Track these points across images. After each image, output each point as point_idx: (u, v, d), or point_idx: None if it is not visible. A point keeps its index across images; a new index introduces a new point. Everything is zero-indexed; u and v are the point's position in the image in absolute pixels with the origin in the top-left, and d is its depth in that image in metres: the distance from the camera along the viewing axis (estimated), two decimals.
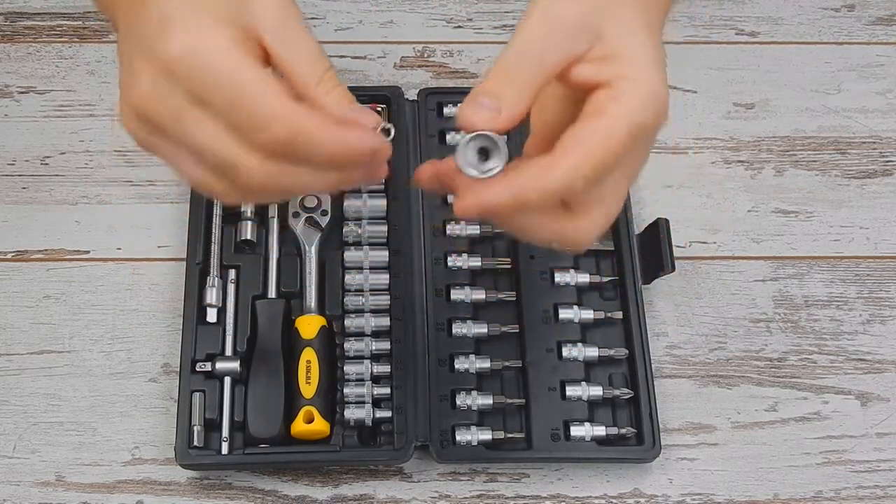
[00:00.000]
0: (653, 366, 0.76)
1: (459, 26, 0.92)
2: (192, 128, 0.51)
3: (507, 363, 0.76)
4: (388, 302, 0.77)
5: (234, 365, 0.74)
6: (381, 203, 0.80)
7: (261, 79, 0.51)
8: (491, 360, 0.76)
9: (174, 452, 0.71)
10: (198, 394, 0.73)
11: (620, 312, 0.78)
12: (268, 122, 0.50)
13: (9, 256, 0.80)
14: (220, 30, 0.51)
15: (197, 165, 0.53)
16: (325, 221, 0.79)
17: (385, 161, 0.54)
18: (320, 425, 0.72)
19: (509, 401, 0.75)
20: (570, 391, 0.75)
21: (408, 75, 0.89)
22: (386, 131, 0.55)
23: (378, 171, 0.55)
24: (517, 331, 0.77)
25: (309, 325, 0.75)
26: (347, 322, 0.76)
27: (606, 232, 0.81)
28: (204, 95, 0.50)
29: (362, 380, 0.75)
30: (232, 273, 0.77)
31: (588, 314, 0.78)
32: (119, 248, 0.81)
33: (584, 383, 0.75)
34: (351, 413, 0.73)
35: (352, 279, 0.78)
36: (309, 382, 0.73)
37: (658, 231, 0.78)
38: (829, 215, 0.85)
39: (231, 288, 0.77)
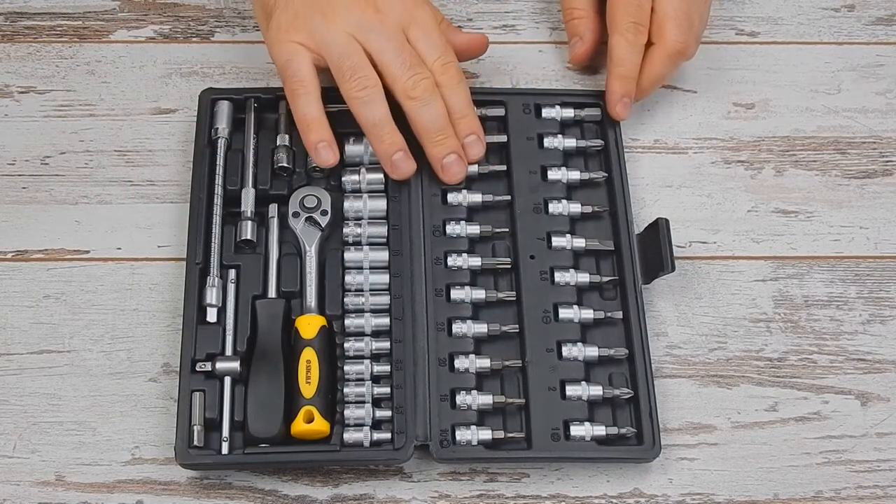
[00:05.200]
0: (653, 366, 0.76)
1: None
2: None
3: (506, 363, 0.76)
4: (388, 302, 0.77)
5: (234, 365, 0.74)
6: (381, 203, 0.80)
7: None
8: (491, 360, 0.76)
9: (174, 452, 0.71)
10: (198, 394, 0.73)
11: (620, 312, 0.78)
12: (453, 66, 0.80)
13: (9, 256, 0.80)
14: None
15: None
16: (325, 221, 0.79)
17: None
18: (320, 425, 0.72)
19: (509, 400, 0.75)
20: (570, 391, 0.75)
21: None
22: None
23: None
24: (517, 330, 0.77)
25: (309, 324, 0.75)
26: (347, 322, 0.76)
27: (607, 232, 0.81)
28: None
29: (362, 379, 0.75)
30: (232, 273, 0.77)
31: (588, 314, 0.78)
32: (119, 248, 0.81)
33: (584, 383, 0.75)
34: (351, 413, 0.73)
35: (352, 279, 0.78)
36: (309, 382, 0.73)
37: (658, 231, 0.78)
38: (829, 215, 0.85)
39: (231, 288, 0.77)
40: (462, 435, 0.73)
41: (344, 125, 0.80)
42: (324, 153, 0.78)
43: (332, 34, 0.78)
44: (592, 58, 0.88)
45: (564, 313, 0.77)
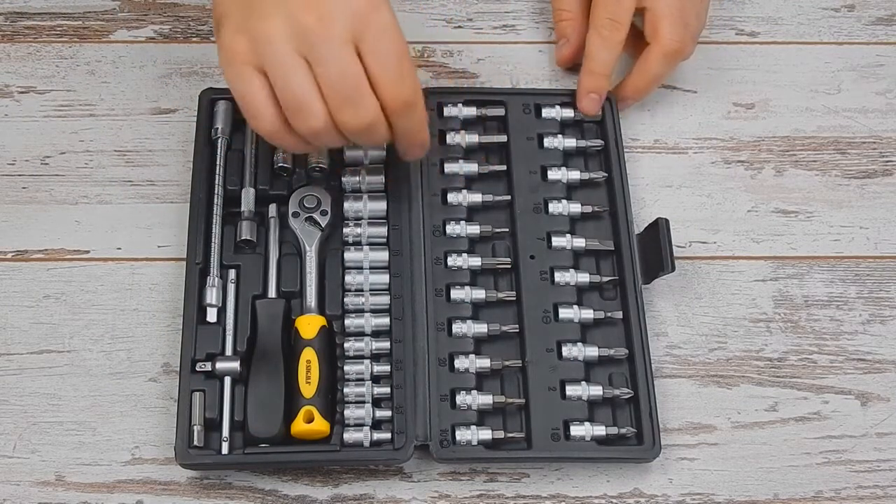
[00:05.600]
0: (653, 366, 0.76)
1: (459, 26, 0.92)
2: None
3: (506, 363, 0.76)
4: (388, 302, 0.77)
5: (234, 365, 0.74)
6: (381, 204, 0.80)
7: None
8: (491, 360, 0.76)
9: (174, 452, 0.71)
10: (198, 393, 0.73)
11: (620, 312, 0.78)
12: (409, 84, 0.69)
13: (9, 256, 0.80)
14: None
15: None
16: (325, 221, 0.79)
17: None
18: (320, 425, 0.72)
19: (509, 400, 0.75)
20: (570, 391, 0.75)
21: None
22: None
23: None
24: (517, 330, 0.77)
25: (309, 324, 0.75)
26: (347, 322, 0.76)
27: (606, 232, 0.81)
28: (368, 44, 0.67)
29: (362, 379, 0.75)
30: (232, 273, 0.77)
31: (588, 314, 0.78)
32: (119, 248, 0.81)
33: (583, 383, 0.75)
34: (351, 413, 0.73)
35: (352, 279, 0.78)
36: (309, 382, 0.73)
37: (658, 231, 0.78)
38: (829, 215, 0.85)
39: (231, 288, 0.77)
40: (462, 435, 0.73)
41: None
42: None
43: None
44: (579, 59, 0.87)
45: (564, 313, 0.77)
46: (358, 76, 0.68)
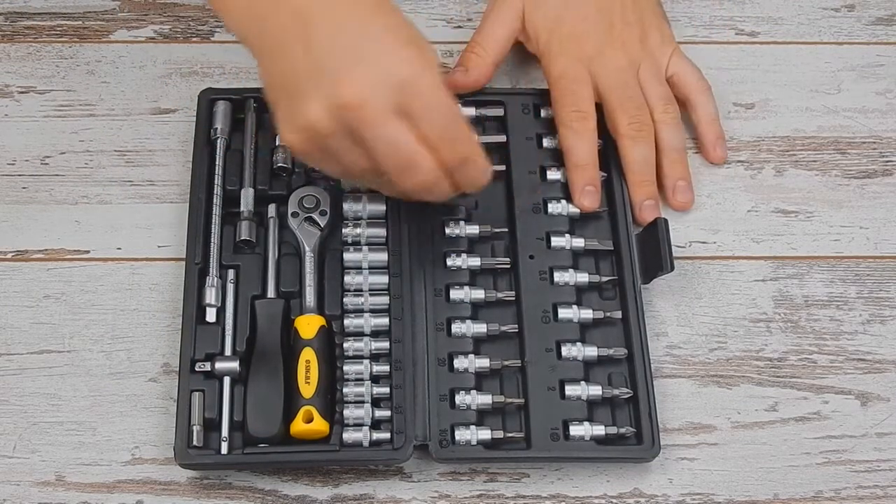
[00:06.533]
0: (652, 366, 0.76)
1: (459, 26, 0.92)
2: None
3: (506, 363, 0.76)
4: (388, 302, 0.77)
5: (234, 365, 0.74)
6: (380, 205, 0.80)
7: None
8: (490, 360, 0.76)
9: (173, 452, 0.71)
10: (197, 393, 0.73)
11: (620, 312, 0.78)
12: (464, 140, 0.69)
13: (9, 256, 0.80)
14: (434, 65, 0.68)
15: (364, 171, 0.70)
16: (324, 221, 0.79)
17: None
18: (320, 425, 0.72)
19: (508, 400, 0.75)
20: (570, 391, 0.75)
21: None
22: None
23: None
24: (516, 330, 0.77)
25: (308, 324, 0.75)
26: (347, 322, 0.76)
27: (606, 232, 0.81)
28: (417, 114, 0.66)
29: (361, 379, 0.75)
30: (231, 273, 0.77)
31: (587, 314, 0.78)
32: (119, 248, 0.81)
33: (583, 383, 0.75)
34: (350, 413, 0.73)
35: (351, 280, 0.78)
36: (308, 382, 0.73)
37: (657, 231, 0.78)
38: (829, 215, 0.85)
39: (230, 288, 0.77)
40: (461, 435, 0.73)
41: None
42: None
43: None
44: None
45: (564, 313, 0.77)
46: (408, 146, 0.67)
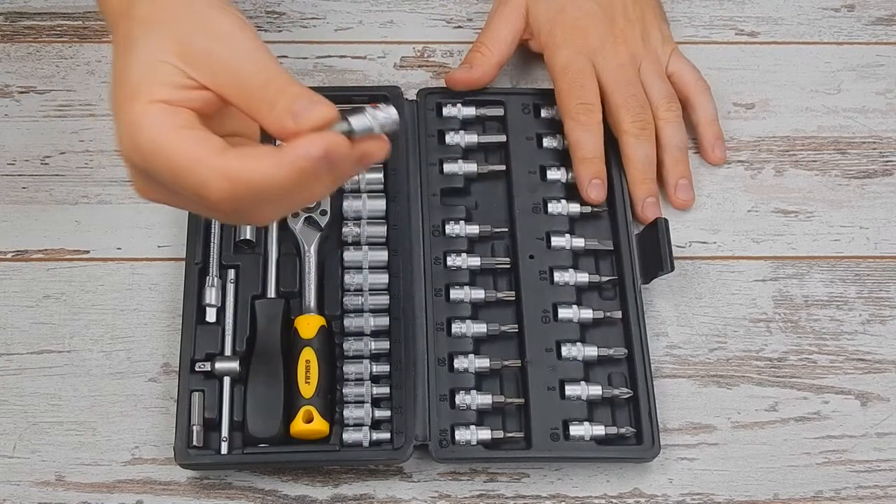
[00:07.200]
0: (652, 366, 0.76)
1: (459, 26, 0.92)
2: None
3: (506, 363, 0.76)
4: (388, 302, 0.77)
5: (234, 365, 0.74)
6: (381, 204, 0.80)
7: (189, 146, 0.55)
8: (490, 360, 0.76)
9: (173, 452, 0.71)
10: (197, 393, 0.73)
11: (620, 312, 0.78)
12: (206, 186, 0.54)
13: (9, 256, 0.80)
14: (150, 110, 0.56)
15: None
16: (324, 221, 0.79)
17: (352, 144, 0.56)
18: (320, 425, 0.72)
19: (508, 400, 0.75)
20: (570, 391, 0.75)
21: (408, 75, 0.89)
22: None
23: (359, 160, 0.57)
24: (516, 330, 0.77)
25: (308, 324, 0.75)
26: (347, 322, 0.76)
27: (606, 232, 0.81)
28: (154, 176, 0.56)
29: (361, 379, 0.75)
30: (231, 273, 0.77)
31: (587, 314, 0.78)
32: (119, 248, 0.81)
33: (583, 383, 0.75)
34: (350, 413, 0.73)
35: (351, 279, 0.78)
36: (308, 382, 0.73)
37: (657, 231, 0.78)
38: (829, 215, 0.85)
39: (230, 288, 0.77)
40: (461, 435, 0.73)
41: None
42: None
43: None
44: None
45: (564, 313, 0.77)
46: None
